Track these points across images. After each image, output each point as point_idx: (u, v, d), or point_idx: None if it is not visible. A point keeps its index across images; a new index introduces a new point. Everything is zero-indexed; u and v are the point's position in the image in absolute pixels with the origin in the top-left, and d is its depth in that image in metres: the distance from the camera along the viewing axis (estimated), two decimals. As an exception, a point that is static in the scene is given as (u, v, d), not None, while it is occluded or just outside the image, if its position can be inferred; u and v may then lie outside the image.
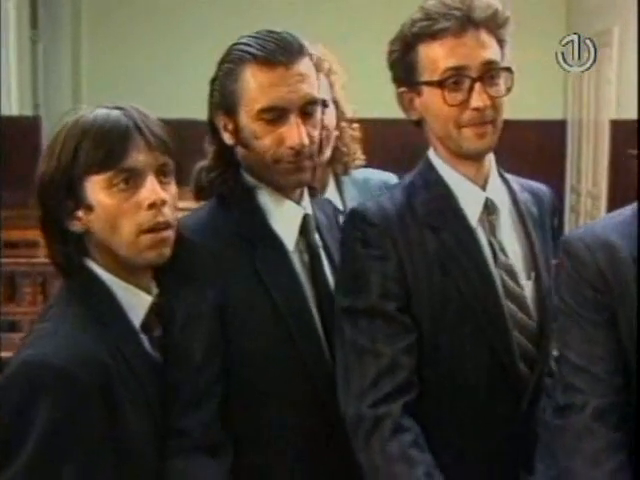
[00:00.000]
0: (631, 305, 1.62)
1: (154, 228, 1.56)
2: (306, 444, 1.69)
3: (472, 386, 1.69)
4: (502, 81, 1.69)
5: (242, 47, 1.68)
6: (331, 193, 2.28)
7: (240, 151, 1.72)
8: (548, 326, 1.73)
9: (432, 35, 1.66)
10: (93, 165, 1.54)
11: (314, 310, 1.70)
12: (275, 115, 1.65)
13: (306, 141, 1.66)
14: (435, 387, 1.69)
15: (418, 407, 1.65)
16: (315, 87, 1.70)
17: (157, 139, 1.58)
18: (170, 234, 1.59)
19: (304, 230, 1.73)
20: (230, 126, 1.70)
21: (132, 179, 1.55)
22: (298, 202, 1.75)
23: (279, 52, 1.64)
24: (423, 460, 1.60)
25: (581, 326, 1.67)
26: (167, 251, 1.59)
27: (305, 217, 1.74)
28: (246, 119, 1.67)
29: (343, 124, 2.26)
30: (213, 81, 1.72)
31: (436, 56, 1.67)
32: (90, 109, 1.60)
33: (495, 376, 1.70)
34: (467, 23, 1.65)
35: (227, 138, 1.71)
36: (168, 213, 1.58)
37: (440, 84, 1.66)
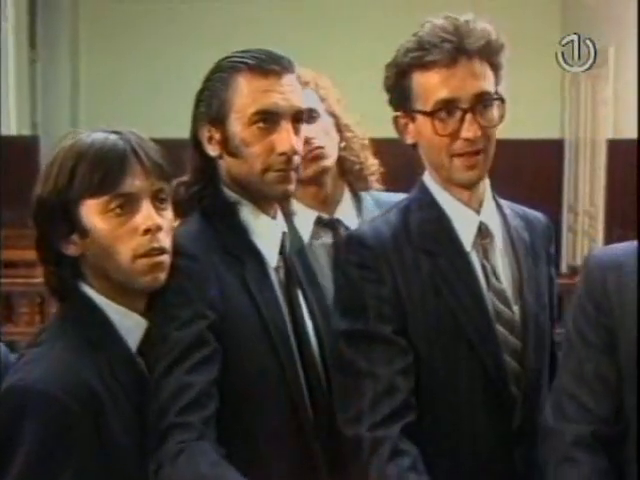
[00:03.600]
0: (630, 330, 1.62)
1: (149, 253, 1.56)
2: (288, 447, 1.69)
3: (466, 406, 1.71)
4: (495, 110, 1.70)
5: (234, 59, 1.72)
6: (347, 210, 2.16)
7: (225, 163, 1.73)
8: (529, 347, 1.75)
9: (424, 65, 1.68)
10: (89, 189, 1.53)
11: (289, 326, 1.72)
12: (267, 120, 1.68)
13: (297, 148, 1.69)
14: (430, 407, 1.69)
15: (414, 427, 1.65)
16: (303, 101, 1.74)
17: (154, 164, 1.58)
18: (165, 259, 1.59)
19: (282, 248, 1.76)
20: (217, 136, 1.71)
21: (128, 204, 1.55)
22: (275, 218, 1.77)
23: (271, 62, 1.69)
24: None
25: (578, 347, 1.67)
26: (162, 276, 1.58)
27: (283, 235, 1.77)
28: (237, 126, 1.69)
29: (348, 134, 2.18)
30: (200, 93, 1.74)
31: (428, 86, 1.68)
32: (88, 132, 1.60)
33: (488, 397, 1.71)
34: (459, 53, 1.66)
35: (211, 150, 1.73)
36: (163, 239, 1.58)
37: (431, 115, 1.68)
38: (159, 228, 1.56)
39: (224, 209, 1.73)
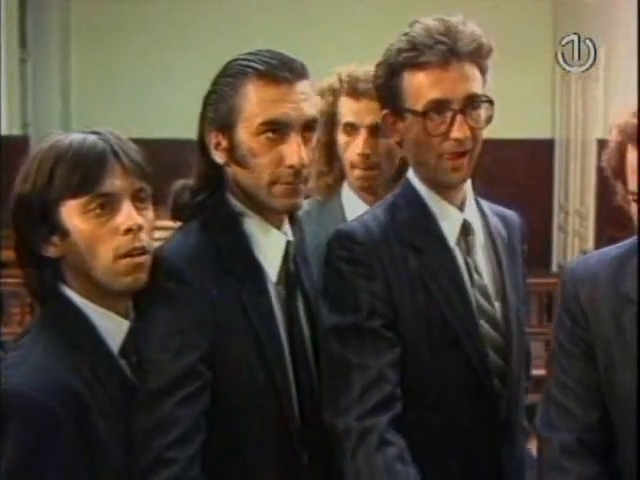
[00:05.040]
0: (605, 343, 1.65)
1: (131, 253, 1.55)
2: (277, 463, 1.68)
3: (452, 400, 1.73)
4: (483, 112, 1.73)
5: (243, 62, 1.65)
6: None
7: (232, 171, 1.68)
8: (513, 344, 1.78)
9: (417, 65, 1.69)
10: (68, 190, 1.52)
11: (285, 344, 1.69)
12: (276, 131, 1.62)
13: (306, 160, 1.64)
14: (416, 399, 1.71)
15: (401, 421, 1.67)
16: (315, 108, 1.69)
17: (133, 164, 1.57)
18: (147, 259, 1.57)
19: (284, 259, 1.72)
20: (224, 143, 1.65)
21: (108, 204, 1.54)
22: (280, 228, 1.72)
23: (283, 69, 1.62)
24: (407, 474, 1.62)
25: (560, 357, 1.72)
26: (143, 276, 1.57)
27: (287, 244, 1.72)
28: (244, 135, 1.63)
29: None
30: (208, 96, 1.68)
31: (420, 86, 1.70)
32: (66, 134, 1.59)
33: (473, 391, 1.74)
34: (451, 55, 1.68)
35: (218, 157, 1.67)
36: (144, 238, 1.56)
37: (423, 114, 1.70)
38: (140, 228, 1.55)
39: (227, 220, 1.69)
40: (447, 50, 1.68)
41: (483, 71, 1.74)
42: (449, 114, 1.69)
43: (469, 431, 1.74)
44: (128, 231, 1.54)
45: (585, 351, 1.68)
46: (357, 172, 2.22)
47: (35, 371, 1.47)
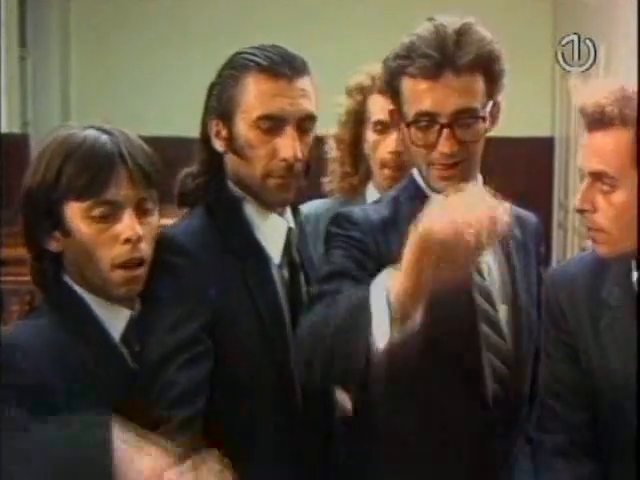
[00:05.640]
0: (585, 345, 1.66)
1: (128, 264, 1.56)
2: (277, 445, 1.70)
3: (446, 405, 1.71)
4: (478, 125, 1.68)
5: (246, 56, 1.69)
6: None
7: (230, 160, 1.72)
8: (523, 349, 1.76)
9: (409, 74, 1.67)
10: (73, 191, 1.54)
11: (288, 324, 1.70)
12: (272, 124, 1.65)
13: (300, 155, 1.66)
14: (410, 405, 1.70)
15: (392, 427, 1.67)
16: (314, 105, 1.71)
17: (141, 172, 1.57)
18: (143, 272, 1.59)
19: (287, 244, 1.74)
20: (223, 132, 1.70)
21: (110, 211, 1.55)
22: (281, 215, 1.75)
23: (283, 65, 1.66)
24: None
25: (546, 360, 1.74)
26: (138, 288, 1.59)
27: (289, 231, 1.75)
28: (242, 126, 1.67)
29: None
30: (212, 86, 1.73)
31: (411, 95, 1.68)
32: (80, 129, 1.59)
33: (469, 396, 1.72)
34: (446, 66, 1.63)
35: (218, 145, 1.72)
36: (144, 248, 1.58)
37: (409, 125, 1.68)
38: (140, 239, 1.56)
39: (229, 204, 1.72)
40: (436, 63, 1.63)
41: (493, 78, 1.69)
42: (436, 127, 1.66)
43: (465, 435, 1.72)
44: (127, 241, 1.55)
45: (569, 354, 1.68)
46: (387, 172, 2.23)
47: (35, 337, 1.47)
